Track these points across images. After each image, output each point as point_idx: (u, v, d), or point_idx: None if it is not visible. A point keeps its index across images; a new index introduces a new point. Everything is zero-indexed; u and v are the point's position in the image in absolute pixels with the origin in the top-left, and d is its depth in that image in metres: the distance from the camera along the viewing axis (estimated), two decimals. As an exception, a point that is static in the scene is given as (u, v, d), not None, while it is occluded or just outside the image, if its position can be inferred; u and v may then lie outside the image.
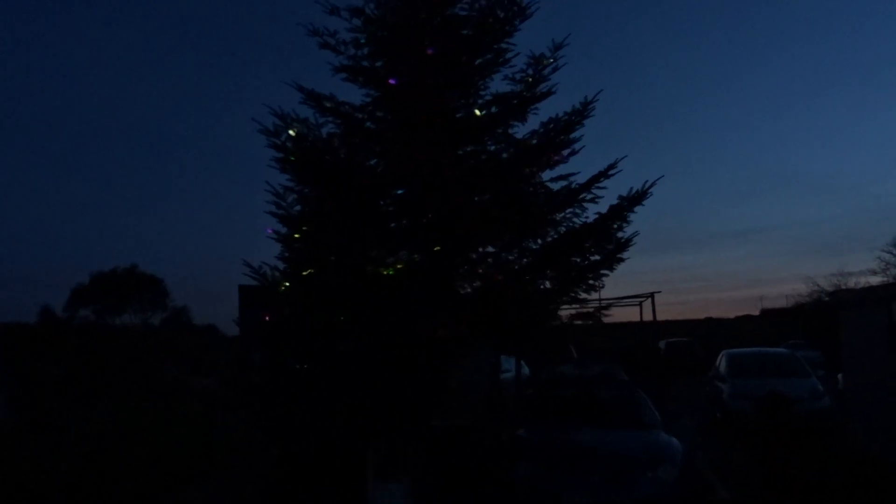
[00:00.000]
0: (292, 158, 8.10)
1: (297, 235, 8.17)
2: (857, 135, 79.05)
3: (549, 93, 8.45)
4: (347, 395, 7.49)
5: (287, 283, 8.21)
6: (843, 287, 37.96)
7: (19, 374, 25.54)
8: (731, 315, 53.93)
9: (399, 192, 8.37)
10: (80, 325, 44.86)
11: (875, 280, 35.86)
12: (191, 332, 47.56)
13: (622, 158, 8.34)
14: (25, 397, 21.77)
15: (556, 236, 8.61)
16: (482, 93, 8.61)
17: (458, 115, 8.57)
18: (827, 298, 37.00)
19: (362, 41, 8.53)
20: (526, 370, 16.01)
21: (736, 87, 78.16)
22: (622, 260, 8.48)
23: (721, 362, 15.80)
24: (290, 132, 8.22)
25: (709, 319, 49.51)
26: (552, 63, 8.24)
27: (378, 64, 8.60)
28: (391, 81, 8.31)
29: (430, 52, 8.19)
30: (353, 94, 8.66)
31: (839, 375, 14.66)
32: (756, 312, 52.45)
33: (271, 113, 8.19)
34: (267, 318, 8.63)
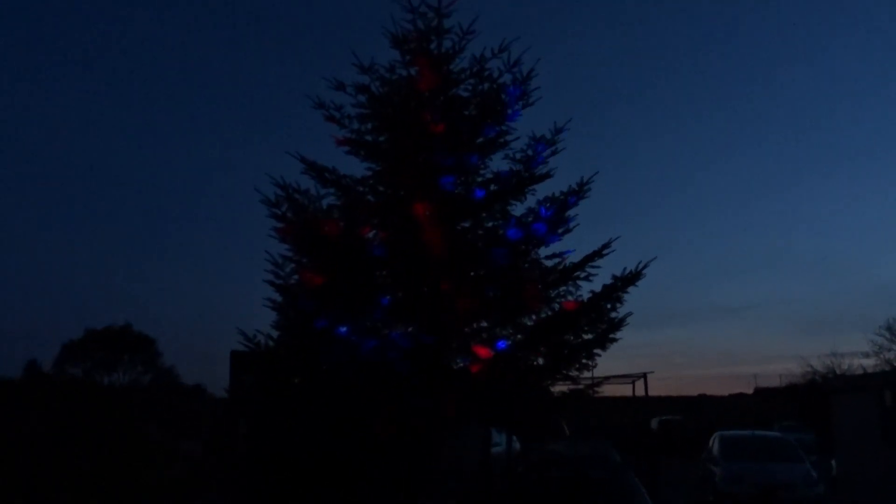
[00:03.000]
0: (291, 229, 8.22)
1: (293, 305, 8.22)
2: (851, 216, 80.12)
3: (547, 175, 8.69)
4: (335, 471, 7.39)
5: (281, 352, 8.21)
6: (836, 368, 37.87)
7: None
8: (725, 392, 53.50)
9: (395, 265, 8.46)
10: (67, 381, 44.20)
11: (868, 362, 35.76)
12: (179, 392, 46.87)
13: (616, 238, 8.56)
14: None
15: (549, 314, 8.68)
16: (482, 171, 8.82)
17: (456, 192, 8.74)
18: (820, 380, 36.82)
19: (366, 116, 8.77)
20: (517, 445, 15.81)
21: (732, 164, 79.65)
22: (615, 340, 8.55)
23: (714, 444, 15.64)
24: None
25: (702, 396, 49.12)
26: (552, 146, 8.51)
27: (381, 139, 8.82)
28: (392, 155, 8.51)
29: (432, 130, 8.40)
30: (355, 167, 8.89)
31: (833, 461, 14.52)
32: (749, 391, 52.13)
33: (273, 183, 8.35)
34: (256, 385, 8.60)
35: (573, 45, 76.36)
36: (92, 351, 46.69)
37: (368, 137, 8.80)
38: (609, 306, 8.52)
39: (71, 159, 76.17)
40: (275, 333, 8.32)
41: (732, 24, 75.27)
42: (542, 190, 8.80)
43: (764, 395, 47.84)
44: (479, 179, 8.80)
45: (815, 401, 31.63)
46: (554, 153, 8.59)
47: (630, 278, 8.39)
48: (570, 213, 8.61)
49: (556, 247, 8.72)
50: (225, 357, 10.76)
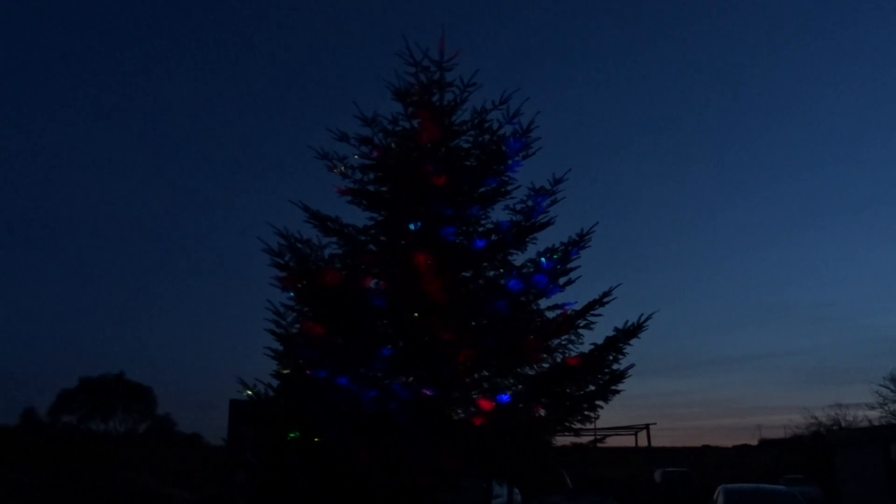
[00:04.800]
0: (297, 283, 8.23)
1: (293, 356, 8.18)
2: (854, 267, 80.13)
3: (547, 223, 8.74)
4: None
5: (280, 402, 8.15)
6: (841, 420, 37.42)
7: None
8: (729, 444, 52.85)
9: (396, 314, 8.44)
10: (61, 429, 43.76)
11: (872, 414, 35.33)
12: (175, 440, 46.35)
13: (617, 286, 8.54)
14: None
15: (550, 364, 8.62)
16: (483, 221, 8.87)
17: (457, 242, 8.78)
18: (824, 432, 36.35)
19: (369, 167, 8.87)
20: (518, 497, 15.55)
21: (734, 215, 79.96)
22: (617, 392, 8.47)
23: (719, 498, 15.38)
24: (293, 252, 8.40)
25: (706, 447, 48.46)
26: (552, 196, 8.57)
27: (383, 189, 8.90)
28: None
29: (434, 181, 8.48)
30: (357, 217, 8.96)
31: (840, 516, 14.23)
32: (754, 442, 51.54)
33: (275, 232, 8.39)
34: (255, 434, 8.49)
35: (573, 94, 77.53)
36: (87, 400, 46.36)
37: (371, 188, 8.89)
38: (611, 358, 8.47)
39: (70, 208, 76.65)
40: (275, 382, 8.27)
41: (732, 76, 76.60)
42: (543, 238, 8.85)
43: (768, 446, 47.23)
44: (480, 230, 8.86)
45: (820, 453, 31.19)
46: (554, 202, 8.67)
47: (632, 331, 8.37)
48: (572, 264, 8.62)
49: (557, 298, 8.71)
50: (224, 406, 10.70)
